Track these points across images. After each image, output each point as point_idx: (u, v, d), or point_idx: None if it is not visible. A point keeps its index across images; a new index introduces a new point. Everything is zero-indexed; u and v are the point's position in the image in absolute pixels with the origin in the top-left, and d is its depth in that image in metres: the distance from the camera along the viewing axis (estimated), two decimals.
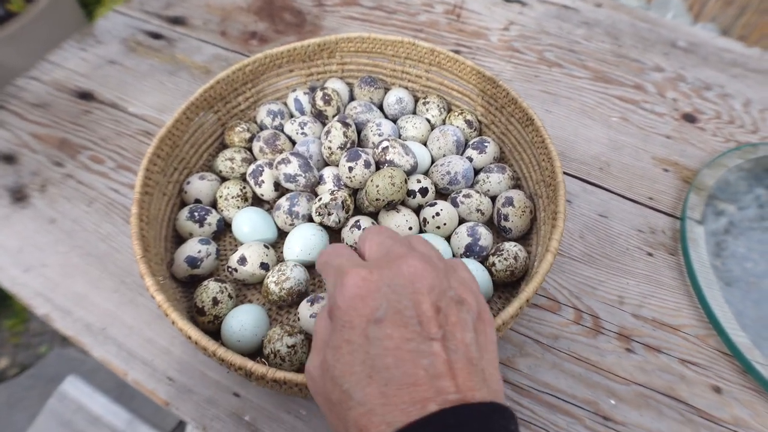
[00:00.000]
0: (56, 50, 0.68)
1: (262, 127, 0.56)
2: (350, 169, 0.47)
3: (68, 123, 0.60)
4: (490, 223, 0.49)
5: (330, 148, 0.50)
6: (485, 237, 0.46)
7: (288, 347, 0.39)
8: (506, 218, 0.47)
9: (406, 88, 0.58)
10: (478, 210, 0.48)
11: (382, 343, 0.24)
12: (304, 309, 0.42)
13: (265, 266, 0.45)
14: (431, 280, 0.26)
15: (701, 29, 0.69)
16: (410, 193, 0.48)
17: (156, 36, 0.70)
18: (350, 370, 0.24)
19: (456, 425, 0.22)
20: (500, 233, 0.49)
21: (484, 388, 0.25)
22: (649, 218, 0.51)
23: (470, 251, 0.46)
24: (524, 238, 0.48)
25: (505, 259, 0.44)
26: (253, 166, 0.50)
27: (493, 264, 0.45)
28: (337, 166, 0.50)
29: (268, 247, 0.46)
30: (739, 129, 0.58)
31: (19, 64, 0.67)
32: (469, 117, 0.54)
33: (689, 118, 0.59)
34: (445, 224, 0.47)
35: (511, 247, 0.45)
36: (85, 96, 0.63)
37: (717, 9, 1.25)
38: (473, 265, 0.44)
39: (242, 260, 0.44)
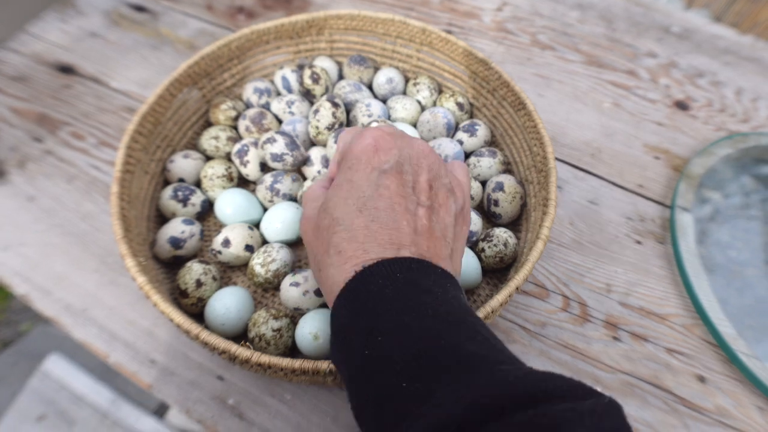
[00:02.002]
0: (35, 21, 0.66)
1: (248, 105, 0.54)
2: None
3: (48, 97, 0.58)
4: (479, 208, 0.49)
5: (317, 127, 0.49)
6: (475, 222, 0.45)
7: (273, 331, 0.39)
8: (496, 203, 0.46)
9: (397, 67, 0.57)
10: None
11: (378, 189, 0.28)
12: (286, 288, 0.41)
13: (249, 248, 0.44)
14: (434, 162, 0.30)
15: (695, 15, 0.68)
16: None
17: (139, 9, 0.67)
18: (344, 202, 0.28)
19: (419, 270, 0.25)
20: (490, 218, 0.48)
21: (450, 264, 0.28)
22: (638, 206, 0.51)
23: None
24: (514, 224, 0.48)
25: (494, 245, 0.44)
26: (238, 146, 0.49)
27: (483, 250, 0.44)
28: (324, 146, 0.49)
29: (252, 229, 0.45)
30: (731, 117, 0.58)
31: None
32: (460, 99, 0.53)
33: (681, 106, 0.59)
34: None
35: (501, 233, 0.44)
36: (66, 70, 0.61)
37: None
38: (466, 254, 0.44)
39: (226, 242, 0.44)
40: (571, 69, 0.61)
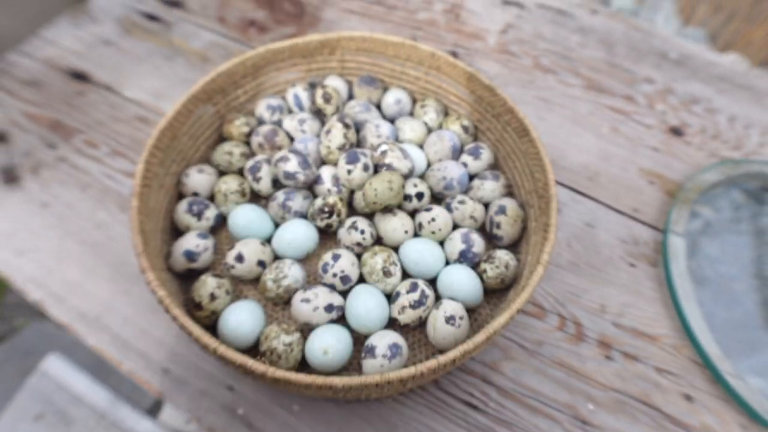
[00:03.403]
0: (49, 26, 0.67)
1: (260, 121, 0.56)
2: (349, 171, 0.48)
3: (61, 104, 0.59)
4: (481, 230, 0.51)
5: (329, 147, 0.50)
6: (478, 244, 0.47)
7: (285, 345, 0.40)
8: (498, 226, 0.48)
9: (405, 89, 0.58)
10: (471, 217, 0.49)
11: None
12: (297, 303, 0.43)
13: (262, 264, 0.46)
14: None
15: (692, 42, 0.70)
16: (406, 197, 0.49)
17: (152, 18, 0.69)
18: None
19: None
20: (491, 240, 0.50)
21: None
22: (633, 229, 0.53)
23: (463, 257, 0.47)
24: (514, 246, 0.50)
25: (496, 266, 0.45)
26: (251, 162, 0.51)
27: (485, 271, 0.46)
28: (335, 165, 0.51)
29: (264, 245, 0.47)
30: (724, 144, 0.60)
31: (6, 32, 0.65)
32: (465, 122, 0.55)
33: (676, 132, 0.61)
34: (440, 230, 0.48)
35: (503, 255, 0.46)
36: (80, 76, 0.62)
37: (707, 14, 1.27)
38: (465, 272, 0.45)
39: (239, 257, 0.45)
40: (572, 93, 0.63)
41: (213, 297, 0.43)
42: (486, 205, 0.51)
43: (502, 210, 0.48)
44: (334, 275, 0.45)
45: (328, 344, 0.40)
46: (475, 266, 0.47)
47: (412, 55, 0.55)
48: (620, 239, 0.52)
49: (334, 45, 0.56)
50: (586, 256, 0.51)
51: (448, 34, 0.69)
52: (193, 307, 0.43)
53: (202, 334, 0.35)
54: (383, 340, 0.41)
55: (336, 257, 0.45)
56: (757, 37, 1.22)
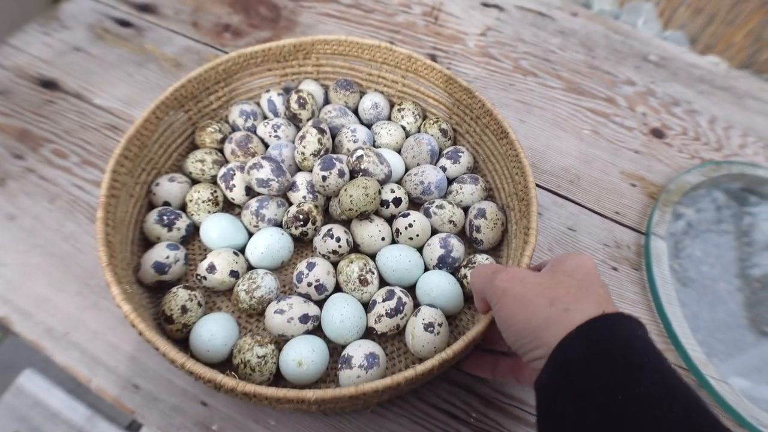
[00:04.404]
0: (18, 33, 0.65)
1: (234, 128, 0.54)
2: (324, 178, 0.47)
3: (29, 113, 0.58)
4: (461, 234, 0.50)
5: (303, 153, 0.49)
6: (457, 249, 0.46)
7: (258, 357, 0.39)
8: (478, 230, 0.47)
9: (382, 92, 0.57)
10: (450, 221, 0.48)
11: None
12: (271, 315, 0.42)
13: (234, 274, 0.44)
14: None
15: (672, 44, 0.70)
16: (384, 203, 0.48)
17: (124, 24, 0.67)
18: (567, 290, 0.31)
19: (621, 317, 0.29)
20: (471, 244, 0.49)
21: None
22: (614, 232, 0.52)
23: (443, 263, 0.46)
24: (495, 250, 0.49)
25: None
26: (224, 170, 0.49)
27: (465, 276, 0.45)
28: (310, 171, 0.49)
29: (237, 254, 0.46)
30: (704, 146, 0.60)
31: None
32: (444, 126, 0.54)
33: (657, 134, 0.61)
34: (417, 235, 0.47)
35: (483, 261, 0.45)
36: (49, 84, 0.60)
37: (686, 17, 1.28)
38: (445, 278, 0.45)
39: (211, 268, 0.44)
40: (552, 96, 0.63)
41: (184, 310, 0.41)
42: (465, 210, 0.50)
43: (481, 213, 0.47)
44: (309, 284, 0.44)
45: (303, 356, 0.39)
46: (454, 272, 0.47)
47: (388, 59, 0.54)
48: (602, 243, 0.52)
49: (308, 49, 0.55)
50: None
51: (426, 38, 0.69)
52: (164, 321, 0.41)
53: (169, 349, 0.34)
54: (360, 350, 0.40)
55: (311, 266, 0.44)
56: (736, 39, 1.23)
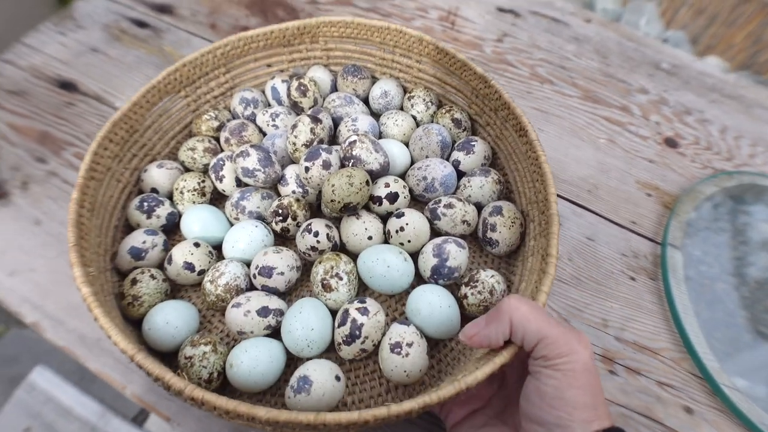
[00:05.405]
0: (32, 32, 0.65)
1: (234, 116, 0.52)
2: (306, 169, 0.43)
3: (49, 115, 0.57)
4: (474, 236, 0.46)
5: (294, 144, 0.45)
6: (455, 256, 0.41)
7: (186, 358, 0.37)
8: (493, 228, 0.43)
9: (397, 78, 0.54)
10: (464, 221, 0.44)
11: None
12: (228, 309, 0.39)
13: (189, 266, 0.42)
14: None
15: (683, 51, 0.71)
16: (375, 199, 0.43)
17: (141, 24, 0.67)
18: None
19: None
20: (484, 246, 0.45)
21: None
22: (632, 242, 0.54)
23: (437, 274, 0.41)
24: (510, 259, 0.46)
25: (479, 292, 0.40)
26: (214, 160, 0.47)
27: (465, 296, 0.41)
28: None
29: (198, 246, 0.43)
30: (716, 156, 0.61)
31: None
32: (457, 115, 0.50)
33: (671, 143, 0.62)
34: (409, 241, 0.42)
35: (487, 279, 0.41)
36: (67, 86, 0.60)
37: (688, 18, 1.29)
38: (437, 295, 0.40)
39: (170, 258, 0.42)
40: (569, 104, 0.64)
41: (134, 282, 0.40)
42: (478, 208, 0.46)
43: (497, 211, 0.43)
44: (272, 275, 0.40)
45: (235, 356, 0.37)
46: (453, 291, 0.42)
47: (399, 42, 0.52)
48: (620, 252, 0.53)
49: (314, 32, 0.53)
50: (587, 270, 0.51)
51: (444, 43, 0.69)
52: (120, 299, 0.40)
53: (120, 339, 0.31)
54: (316, 372, 0.36)
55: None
56: (737, 41, 1.24)
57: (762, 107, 0.67)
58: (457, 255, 0.41)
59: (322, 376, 0.36)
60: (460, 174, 0.49)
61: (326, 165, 0.42)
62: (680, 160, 0.61)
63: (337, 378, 0.37)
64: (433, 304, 0.39)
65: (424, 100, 0.51)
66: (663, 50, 0.71)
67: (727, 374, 0.46)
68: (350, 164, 0.43)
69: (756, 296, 0.53)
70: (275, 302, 0.40)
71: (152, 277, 0.41)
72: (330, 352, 0.41)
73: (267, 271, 0.41)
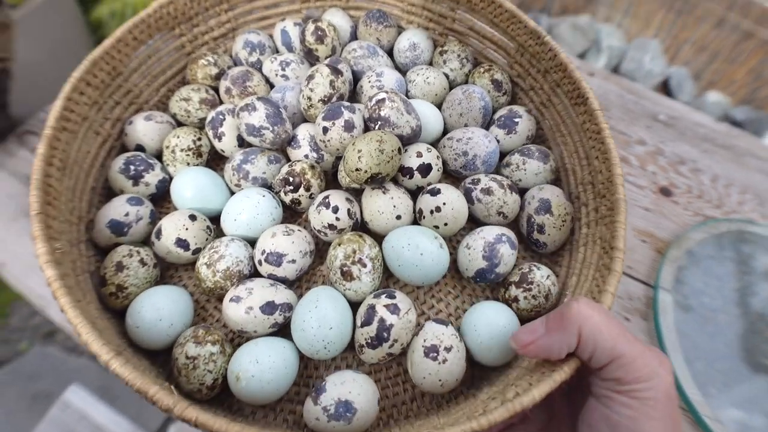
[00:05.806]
0: None
1: (236, 62, 0.45)
2: (325, 130, 0.36)
3: None
4: (511, 227, 0.39)
5: (310, 98, 0.38)
6: (506, 261, 0.35)
7: (187, 358, 0.31)
8: (541, 230, 0.37)
9: (426, 28, 0.46)
10: (500, 213, 0.38)
11: None
12: (226, 305, 0.33)
13: (182, 243, 0.35)
14: None
15: (680, 103, 0.77)
16: (405, 170, 0.37)
17: None
18: None
19: None
20: (529, 246, 0.40)
21: None
22: (627, 286, 0.59)
23: (480, 277, 0.36)
24: (554, 255, 0.40)
25: (533, 297, 0.35)
26: (212, 113, 0.40)
27: (516, 299, 0.36)
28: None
29: (194, 219, 0.36)
30: (707, 204, 0.67)
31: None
32: (498, 76, 0.43)
33: (665, 192, 0.68)
34: (446, 224, 0.36)
35: (543, 281, 0.35)
36: None
37: (690, 54, 1.36)
38: (493, 309, 0.34)
39: (158, 232, 0.35)
40: None
41: (120, 267, 0.33)
42: (521, 192, 0.40)
43: (545, 207, 0.37)
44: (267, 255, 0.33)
45: (242, 368, 0.30)
46: (503, 291, 0.37)
47: None
48: (617, 295, 0.58)
49: None
50: None
51: None
52: (100, 285, 0.33)
53: (93, 340, 0.25)
54: (336, 387, 0.29)
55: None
56: (738, 77, 1.30)
57: (752, 155, 0.73)
58: (509, 260, 0.35)
59: (366, 402, 0.29)
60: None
61: (348, 126, 0.36)
62: (673, 207, 0.66)
63: (379, 401, 0.31)
64: (493, 325, 0.33)
65: (459, 56, 0.45)
66: (660, 102, 0.77)
67: (722, 405, 0.50)
68: (376, 126, 0.37)
69: (757, 328, 0.56)
70: (282, 295, 0.33)
71: (142, 262, 0.34)
72: (346, 351, 0.35)
73: (275, 259, 0.34)
